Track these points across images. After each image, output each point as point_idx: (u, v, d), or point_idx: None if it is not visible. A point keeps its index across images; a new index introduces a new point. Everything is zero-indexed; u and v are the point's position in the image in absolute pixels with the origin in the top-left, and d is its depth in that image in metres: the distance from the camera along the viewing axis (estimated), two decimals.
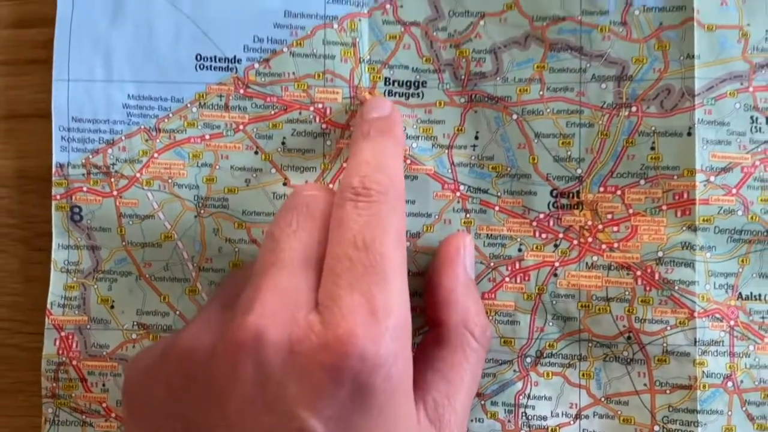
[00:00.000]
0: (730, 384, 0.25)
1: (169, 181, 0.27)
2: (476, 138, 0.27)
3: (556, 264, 0.27)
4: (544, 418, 0.26)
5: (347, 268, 0.20)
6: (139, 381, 0.23)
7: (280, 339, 0.19)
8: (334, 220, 0.22)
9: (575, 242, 0.27)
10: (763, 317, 0.26)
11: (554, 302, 0.27)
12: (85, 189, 0.27)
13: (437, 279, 0.25)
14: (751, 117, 0.26)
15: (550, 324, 0.27)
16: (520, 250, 0.27)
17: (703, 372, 0.25)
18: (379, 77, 0.27)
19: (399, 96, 0.27)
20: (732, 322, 0.26)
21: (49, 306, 0.27)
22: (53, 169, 0.27)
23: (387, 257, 0.21)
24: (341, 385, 0.19)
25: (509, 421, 0.26)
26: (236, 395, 0.19)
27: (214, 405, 0.20)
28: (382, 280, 0.20)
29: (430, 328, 0.25)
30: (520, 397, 0.26)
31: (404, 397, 0.20)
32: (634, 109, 0.26)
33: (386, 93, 0.27)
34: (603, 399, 0.26)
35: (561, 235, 0.27)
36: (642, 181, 0.26)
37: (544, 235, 0.27)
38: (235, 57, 0.27)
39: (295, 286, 0.21)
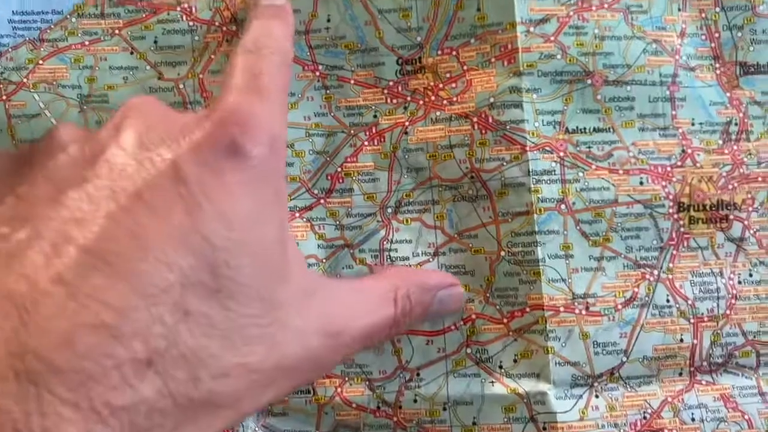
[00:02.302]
0: (563, 206, 0.29)
1: (54, 83, 0.30)
2: (328, 21, 0.30)
3: (407, 124, 0.30)
4: (407, 258, 0.29)
5: (233, 87, 0.22)
6: (2, 157, 0.25)
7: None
8: (226, 70, 0.24)
9: (421, 102, 0.30)
10: (589, 147, 0.29)
11: (407, 157, 0.30)
12: None
13: None
14: None
15: (405, 176, 0.30)
16: (375, 116, 0.30)
17: (538, 198, 0.28)
18: None
19: None
20: (561, 154, 0.29)
21: None
22: None
23: (270, 90, 0.23)
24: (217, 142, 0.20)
25: (376, 264, 0.29)
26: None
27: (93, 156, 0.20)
28: (267, 101, 0.22)
29: None
30: (384, 243, 0.29)
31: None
32: None
33: None
34: (456, 236, 0.29)
35: (409, 99, 0.30)
36: (472, 40, 0.29)
37: (394, 101, 0.30)
38: None
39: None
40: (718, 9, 0.30)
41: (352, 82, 0.30)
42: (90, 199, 0.18)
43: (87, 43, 0.30)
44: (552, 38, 0.29)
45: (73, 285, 0.17)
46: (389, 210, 0.29)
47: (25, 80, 0.30)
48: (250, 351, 0.19)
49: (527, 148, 0.29)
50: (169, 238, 0.18)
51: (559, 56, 0.29)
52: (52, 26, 0.30)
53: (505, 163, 0.29)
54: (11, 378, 0.15)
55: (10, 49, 0.30)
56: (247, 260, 0.19)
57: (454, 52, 0.30)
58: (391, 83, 0.30)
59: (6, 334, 0.16)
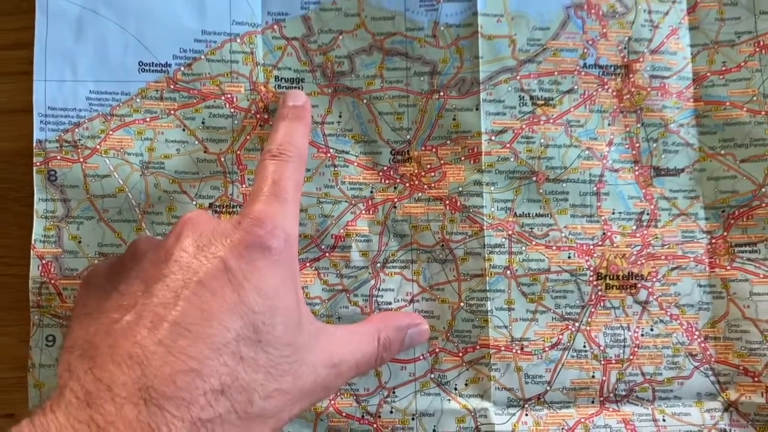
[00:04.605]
0: (508, 272, 0.38)
1: (121, 150, 0.38)
2: (340, 117, 0.39)
3: (395, 200, 0.39)
4: (390, 303, 0.38)
5: (260, 194, 0.31)
6: (100, 266, 0.32)
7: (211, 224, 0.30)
8: (257, 171, 0.33)
9: (407, 185, 0.39)
10: (531, 228, 0.38)
11: (394, 225, 0.39)
12: (59, 158, 0.38)
13: None
14: (519, 96, 0.39)
15: (392, 240, 0.39)
16: (371, 192, 0.39)
17: (490, 265, 0.38)
18: (271, 75, 0.39)
19: (285, 89, 0.39)
20: (510, 232, 0.38)
21: (33, 242, 0.38)
22: (34, 144, 0.38)
23: (287, 191, 0.32)
24: (249, 244, 0.29)
25: (366, 307, 0.38)
26: (180, 251, 0.29)
27: (166, 258, 0.28)
28: (283, 203, 0.31)
29: None
30: (373, 291, 0.38)
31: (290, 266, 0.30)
32: (441, 94, 0.39)
33: (276, 87, 0.39)
34: (428, 288, 0.38)
35: (398, 181, 0.39)
36: (448, 142, 0.39)
37: (387, 181, 0.39)
38: (167, 63, 0.39)
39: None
40: (639, 125, 0.40)
41: (356, 164, 0.39)
42: (169, 288, 0.27)
43: (148, 119, 0.38)
44: (508, 145, 0.38)
45: (169, 346, 0.25)
46: (378, 265, 0.38)
47: (98, 147, 0.38)
48: (283, 380, 0.28)
49: (484, 227, 0.38)
50: (225, 310, 0.27)
51: (512, 159, 0.38)
52: (121, 104, 0.38)
53: (467, 237, 0.38)
54: (143, 404, 0.24)
55: (86, 121, 0.38)
56: (277, 319, 0.28)
57: (434, 149, 0.39)
58: (385, 168, 0.39)
59: (134, 378, 0.25)
